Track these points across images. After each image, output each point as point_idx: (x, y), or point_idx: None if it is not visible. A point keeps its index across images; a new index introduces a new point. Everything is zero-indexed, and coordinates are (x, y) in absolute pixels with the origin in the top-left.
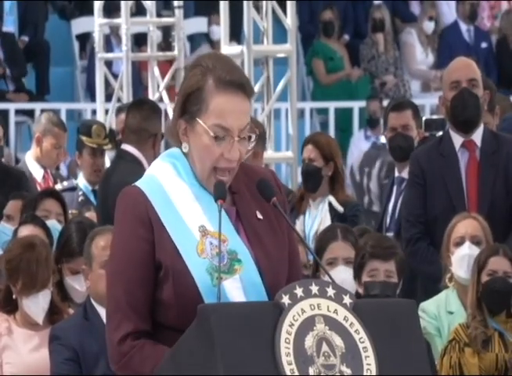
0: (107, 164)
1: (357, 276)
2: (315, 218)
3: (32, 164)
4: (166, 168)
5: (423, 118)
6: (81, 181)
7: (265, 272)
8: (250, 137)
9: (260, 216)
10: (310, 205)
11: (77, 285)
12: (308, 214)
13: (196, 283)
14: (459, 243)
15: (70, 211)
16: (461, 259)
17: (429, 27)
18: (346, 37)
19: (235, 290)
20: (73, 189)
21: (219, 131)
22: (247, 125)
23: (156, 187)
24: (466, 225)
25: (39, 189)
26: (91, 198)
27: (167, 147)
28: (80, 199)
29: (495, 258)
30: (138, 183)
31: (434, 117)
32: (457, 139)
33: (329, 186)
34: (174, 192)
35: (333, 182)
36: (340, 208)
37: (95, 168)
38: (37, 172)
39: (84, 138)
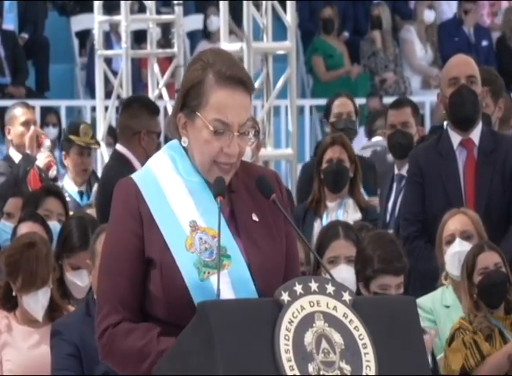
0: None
1: (363, 281)
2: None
3: (17, 157)
4: (164, 160)
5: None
6: (67, 183)
7: (256, 269)
8: (249, 132)
9: (255, 218)
10: (327, 208)
11: (78, 280)
12: (326, 216)
13: (184, 278)
14: (450, 241)
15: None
16: (452, 257)
17: (429, 16)
18: (346, 34)
19: (222, 285)
20: None
21: (219, 125)
22: (247, 121)
23: (151, 180)
24: (455, 222)
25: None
26: (78, 199)
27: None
28: None
29: (482, 255)
30: (134, 175)
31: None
32: (455, 138)
33: (348, 188)
34: (168, 186)
35: (351, 184)
36: (358, 215)
37: (82, 167)
38: None
39: (71, 137)
